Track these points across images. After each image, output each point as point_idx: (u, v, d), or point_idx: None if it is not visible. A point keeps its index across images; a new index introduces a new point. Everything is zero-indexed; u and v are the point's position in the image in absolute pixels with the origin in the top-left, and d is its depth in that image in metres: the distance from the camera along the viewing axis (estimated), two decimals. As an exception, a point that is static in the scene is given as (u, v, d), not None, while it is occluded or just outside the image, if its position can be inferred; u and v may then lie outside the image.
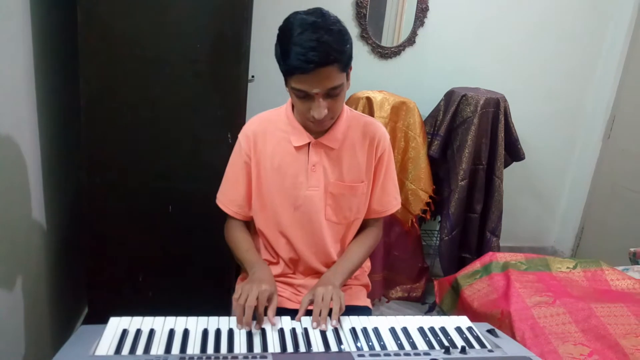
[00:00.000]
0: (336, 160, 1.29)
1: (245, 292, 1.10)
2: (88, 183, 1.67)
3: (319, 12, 1.11)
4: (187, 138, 1.68)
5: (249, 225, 1.41)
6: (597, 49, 2.94)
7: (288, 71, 1.11)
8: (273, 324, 1.08)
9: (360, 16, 2.58)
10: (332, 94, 1.13)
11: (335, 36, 1.08)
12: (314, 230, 1.31)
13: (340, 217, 1.33)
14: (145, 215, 1.74)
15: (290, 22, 1.10)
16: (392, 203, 1.39)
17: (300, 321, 1.11)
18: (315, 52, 1.05)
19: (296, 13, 1.12)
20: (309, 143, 1.27)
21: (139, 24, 1.54)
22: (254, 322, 1.07)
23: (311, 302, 1.15)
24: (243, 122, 1.69)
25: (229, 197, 1.35)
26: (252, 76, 2.19)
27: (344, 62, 1.11)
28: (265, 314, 1.10)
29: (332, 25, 1.09)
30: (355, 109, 2.38)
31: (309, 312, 1.13)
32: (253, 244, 1.35)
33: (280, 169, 1.28)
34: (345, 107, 1.31)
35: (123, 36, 1.54)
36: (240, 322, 1.06)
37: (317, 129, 1.24)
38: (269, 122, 1.31)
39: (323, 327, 1.07)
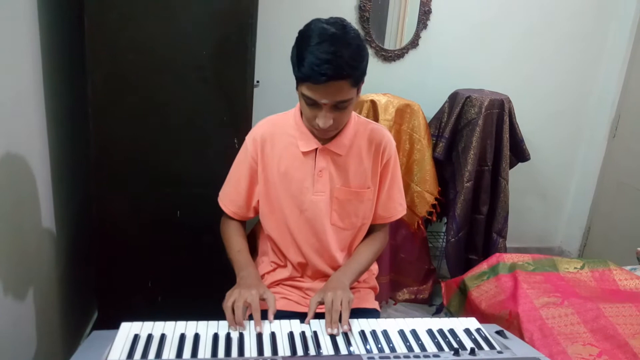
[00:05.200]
0: (342, 166, 1.30)
1: (233, 297, 1.12)
2: (97, 189, 1.68)
3: (340, 24, 1.10)
4: (194, 144, 1.69)
5: (245, 225, 1.43)
6: (601, 47, 2.93)
7: (300, 78, 1.12)
8: (271, 321, 1.10)
9: (363, 20, 2.59)
10: (341, 106, 1.14)
11: (352, 51, 1.08)
12: (319, 234, 1.32)
13: (346, 222, 1.34)
14: (154, 221, 1.75)
15: (310, 30, 1.10)
16: (397, 209, 1.40)
17: (309, 324, 1.12)
18: (329, 65, 1.05)
19: (318, 20, 1.12)
20: (316, 149, 1.28)
21: (146, 31, 1.56)
22: (251, 322, 1.09)
23: (320, 304, 1.16)
24: (249, 127, 1.70)
25: (229, 197, 1.37)
26: (257, 81, 2.21)
27: (357, 77, 1.11)
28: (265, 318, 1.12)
29: (351, 40, 1.09)
30: (360, 112, 2.39)
31: (318, 315, 1.14)
32: (246, 245, 1.36)
33: (287, 173, 1.29)
34: (353, 113, 1.31)
35: (130, 43, 1.56)
36: (231, 323, 1.08)
37: (321, 136, 1.26)
38: (277, 126, 1.32)
39: (335, 331, 1.08)
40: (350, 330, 1.09)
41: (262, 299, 1.15)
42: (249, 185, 1.34)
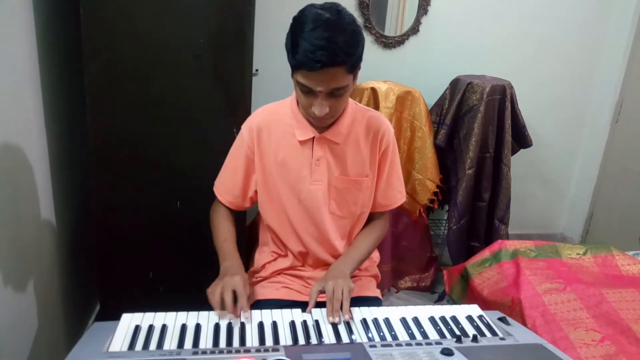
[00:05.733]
0: (340, 155, 1.28)
1: (218, 287, 1.11)
2: (96, 181, 1.68)
3: (335, 9, 1.08)
4: (193, 133, 1.68)
5: (238, 214, 1.42)
6: (603, 32, 2.90)
7: (295, 65, 1.10)
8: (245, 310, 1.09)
9: (362, 6, 2.56)
10: (336, 94, 1.12)
11: (347, 37, 1.06)
12: (318, 223, 1.31)
13: (345, 211, 1.33)
14: (154, 212, 1.75)
15: (304, 15, 1.08)
16: (396, 197, 1.39)
17: (311, 313, 1.11)
18: (323, 51, 1.03)
19: (312, 6, 1.09)
20: (313, 137, 1.26)
21: (142, 21, 1.54)
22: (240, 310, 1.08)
23: (321, 293, 1.15)
24: (248, 116, 1.69)
25: (225, 186, 1.36)
26: (257, 70, 2.19)
27: (352, 64, 1.09)
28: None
29: (346, 25, 1.06)
30: (360, 99, 2.37)
31: (319, 304, 1.14)
32: (233, 233, 1.35)
33: (285, 163, 1.28)
34: (350, 100, 1.29)
35: (126, 33, 1.54)
36: (218, 308, 1.07)
37: (317, 124, 1.24)
38: (274, 115, 1.30)
39: (336, 320, 1.08)
40: (351, 318, 1.09)
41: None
42: (246, 175, 1.32)
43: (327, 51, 1.03)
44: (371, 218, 1.40)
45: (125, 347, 0.96)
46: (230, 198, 1.35)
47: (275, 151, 1.28)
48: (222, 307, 1.08)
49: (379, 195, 1.36)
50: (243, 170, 1.32)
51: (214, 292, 1.11)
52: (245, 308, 1.09)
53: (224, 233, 1.33)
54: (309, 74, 1.07)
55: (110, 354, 0.93)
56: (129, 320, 1.04)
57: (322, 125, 1.24)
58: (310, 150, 1.27)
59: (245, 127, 1.31)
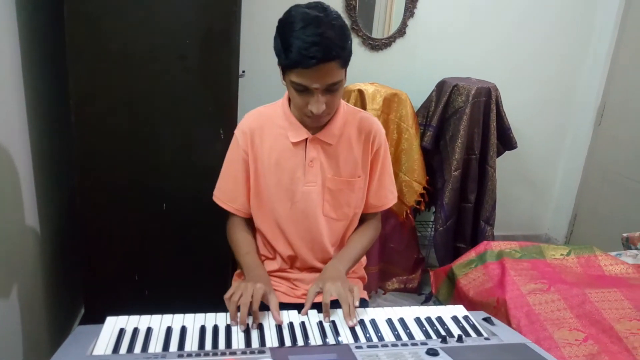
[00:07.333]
0: (333, 156, 1.29)
1: (239, 290, 1.09)
2: (80, 183, 1.66)
3: (320, 7, 1.10)
4: (179, 135, 1.67)
5: (250, 221, 1.39)
6: (586, 36, 2.95)
7: (288, 65, 1.10)
8: (280, 322, 1.07)
9: (350, 8, 2.57)
10: (332, 89, 1.13)
11: (337, 32, 1.08)
12: (311, 226, 1.31)
13: (339, 213, 1.33)
14: (139, 214, 1.73)
15: (291, 16, 1.09)
16: (388, 197, 1.40)
17: (307, 314, 1.11)
18: (317, 47, 1.04)
19: (297, 6, 1.11)
20: (306, 139, 1.26)
21: (127, 21, 1.53)
22: (250, 317, 1.06)
23: (318, 293, 1.15)
24: (235, 118, 1.69)
25: (229, 194, 1.34)
26: (243, 71, 2.18)
27: (345, 58, 1.11)
28: (266, 309, 1.10)
29: (334, 21, 1.09)
30: (347, 101, 2.38)
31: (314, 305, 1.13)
32: (254, 245, 1.34)
33: (278, 164, 1.27)
34: (342, 102, 1.30)
35: (111, 33, 1.53)
36: (234, 319, 1.05)
37: (314, 124, 1.24)
38: (266, 118, 1.30)
39: (354, 322, 1.07)
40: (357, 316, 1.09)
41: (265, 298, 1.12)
42: (247, 180, 1.31)
43: (321, 46, 1.04)
44: (364, 219, 1.41)
45: (109, 351, 0.94)
46: (237, 205, 1.33)
47: (268, 154, 1.27)
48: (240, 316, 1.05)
49: (371, 196, 1.37)
50: (244, 175, 1.31)
51: (233, 299, 1.07)
52: (257, 317, 1.05)
53: (245, 246, 1.31)
54: (304, 71, 1.08)
55: (94, 358, 0.92)
56: (113, 323, 1.03)
57: (319, 124, 1.24)
58: (303, 151, 1.27)
59: (238, 131, 1.30)
